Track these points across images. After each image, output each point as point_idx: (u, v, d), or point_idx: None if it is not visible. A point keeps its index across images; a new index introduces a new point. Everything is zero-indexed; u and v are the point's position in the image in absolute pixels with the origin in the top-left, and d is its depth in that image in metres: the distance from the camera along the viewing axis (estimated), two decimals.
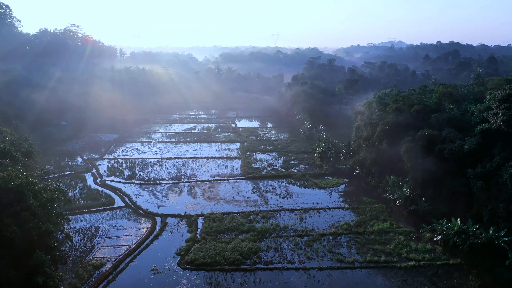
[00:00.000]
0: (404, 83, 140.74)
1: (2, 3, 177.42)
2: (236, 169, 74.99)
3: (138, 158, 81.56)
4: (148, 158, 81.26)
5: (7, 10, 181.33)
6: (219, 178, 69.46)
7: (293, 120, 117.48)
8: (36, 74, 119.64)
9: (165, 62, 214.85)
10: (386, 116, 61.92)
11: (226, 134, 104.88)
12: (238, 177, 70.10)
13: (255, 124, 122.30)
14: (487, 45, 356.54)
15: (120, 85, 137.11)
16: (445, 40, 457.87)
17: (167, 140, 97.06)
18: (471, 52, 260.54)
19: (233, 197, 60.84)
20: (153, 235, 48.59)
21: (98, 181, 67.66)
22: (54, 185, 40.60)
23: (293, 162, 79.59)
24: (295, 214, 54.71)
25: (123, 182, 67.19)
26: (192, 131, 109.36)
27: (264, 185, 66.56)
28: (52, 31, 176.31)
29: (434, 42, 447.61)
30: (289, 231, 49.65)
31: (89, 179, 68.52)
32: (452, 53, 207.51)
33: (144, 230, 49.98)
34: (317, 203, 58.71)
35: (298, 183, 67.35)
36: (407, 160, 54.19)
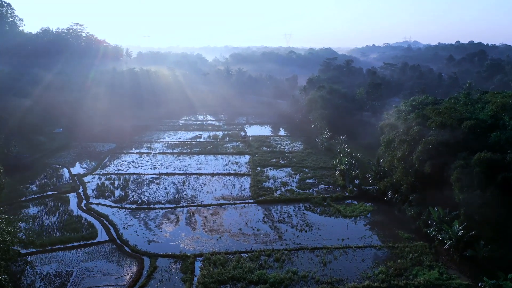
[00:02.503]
0: (429, 87, 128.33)
1: (4, 1, 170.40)
2: (245, 189, 64.43)
3: (133, 174, 71.54)
4: (145, 174, 71.21)
5: (9, 8, 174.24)
6: (224, 201, 58.97)
7: (308, 128, 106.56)
8: (30, 77, 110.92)
9: (173, 63, 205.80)
10: (427, 132, 50.68)
11: (234, 144, 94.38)
12: (247, 201, 59.53)
13: (266, 131, 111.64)
14: (510, 45, 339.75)
15: (122, 88, 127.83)
16: (464, 40, 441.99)
17: (169, 152, 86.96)
18: (496, 53, 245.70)
19: (240, 229, 50.27)
20: (137, 287, 38.28)
21: (83, 204, 57.74)
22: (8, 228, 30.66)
23: (310, 180, 68.69)
24: (317, 256, 43.91)
25: (111, 206, 57.13)
26: (197, 140, 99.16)
27: (278, 211, 55.88)
28: (54, 30, 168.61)
29: (453, 42, 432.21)
30: (310, 283, 38.93)
31: (73, 202, 58.68)
32: (478, 54, 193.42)
33: (127, 277, 39.73)
34: (342, 239, 47.79)
35: (318, 210, 56.48)
36: (459, 191, 42.92)
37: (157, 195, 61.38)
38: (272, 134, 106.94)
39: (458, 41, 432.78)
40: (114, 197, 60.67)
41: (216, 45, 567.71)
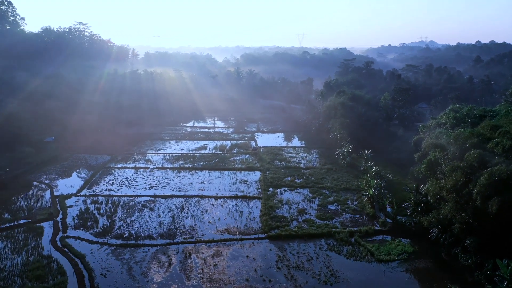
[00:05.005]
0: (460, 92, 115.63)
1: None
2: (254, 218, 53.71)
3: (125, 195, 61.37)
4: (137, 196, 61.02)
5: (10, 7, 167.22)
6: (229, 237, 48.24)
7: (326, 138, 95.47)
8: (21, 79, 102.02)
9: (181, 64, 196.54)
10: (491, 158, 39.23)
11: (243, 157, 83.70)
12: (256, 235, 48.75)
13: (279, 141, 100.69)
14: None
15: (123, 91, 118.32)
16: (484, 40, 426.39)
17: (168, 166, 76.66)
18: None
19: (248, 280, 39.56)
20: None
21: (58, 238, 47.74)
22: None
23: (332, 207, 57.63)
24: None
25: (91, 242, 46.94)
26: (202, 151, 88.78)
27: (294, 252, 44.99)
28: (55, 29, 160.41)
29: (472, 42, 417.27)
30: None
31: (47, 235, 48.67)
32: (509, 55, 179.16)
33: None
34: None
35: (345, 250, 45.44)
36: None
37: (148, 226, 51.07)
38: (285, 145, 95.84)
39: (478, 41, 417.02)
40: (97, 228, 50.53)
41: (227, 45, 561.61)
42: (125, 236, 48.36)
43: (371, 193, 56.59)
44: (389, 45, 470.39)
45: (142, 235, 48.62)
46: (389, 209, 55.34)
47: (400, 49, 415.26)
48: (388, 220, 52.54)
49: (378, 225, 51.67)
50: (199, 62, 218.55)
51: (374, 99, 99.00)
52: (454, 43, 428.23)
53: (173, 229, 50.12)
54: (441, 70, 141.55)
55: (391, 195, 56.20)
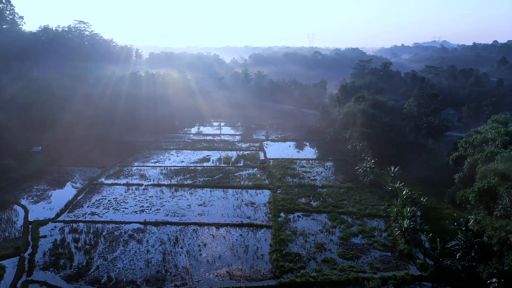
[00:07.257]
0: (490, 97, 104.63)
1: None
2: (262, 256, 44.05)
3: (110, 221, 52.14)
4: (125, 223, 51.73)
5: (8, 5, 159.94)
6: (231, 284, 38.59)
7: (343, 149, 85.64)
8: (7, 82, 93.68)
9: (186, 65, 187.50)
10: None
11: (250, 171, 74.07)
12: (265, 282, 39.07)
13: (291, 151, 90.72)
14: None
15: (121, 95, 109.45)
16: (501, 39, 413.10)
17: (165, 183, 67.34)
18: None
19: None
20: None
21: (19, 284, 38.61)
22: None
23: (357, 240, 47.73)
24: None
25: None
26: (204, 164, 79.33)
27: None
28: (54, 28, 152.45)
29: (488, 41, 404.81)
30: None
31: (7, 278, 39.55)
32: None
33: None
34: None
35: None
36: None
37: (133, 266, 41.73)
38: (297, 157, 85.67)
39: (496, 41, 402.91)
40: (70, 268, 41.32)
41: (236, 45, 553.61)
42: (102, 281, 39.06)
43: (406, 225, 46.50)
44: (402, 45, 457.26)
45: (124, 279, 39.28)
46: (427, 247, 45.23)
47: (414, 49, 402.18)
48: (428, 260, 42.53)
49: (416, 268, 41.67)
50: (205, 63, 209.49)
51: (396, 105, 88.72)
52: (468, 43, 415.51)
53: (163, 271, 40.72)
54: (466, 72, 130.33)
55: (429, 227, 46.16)
